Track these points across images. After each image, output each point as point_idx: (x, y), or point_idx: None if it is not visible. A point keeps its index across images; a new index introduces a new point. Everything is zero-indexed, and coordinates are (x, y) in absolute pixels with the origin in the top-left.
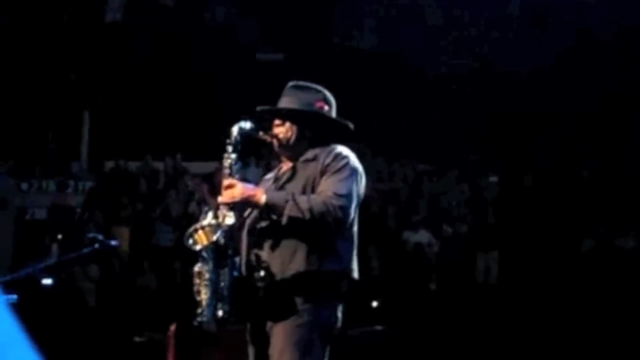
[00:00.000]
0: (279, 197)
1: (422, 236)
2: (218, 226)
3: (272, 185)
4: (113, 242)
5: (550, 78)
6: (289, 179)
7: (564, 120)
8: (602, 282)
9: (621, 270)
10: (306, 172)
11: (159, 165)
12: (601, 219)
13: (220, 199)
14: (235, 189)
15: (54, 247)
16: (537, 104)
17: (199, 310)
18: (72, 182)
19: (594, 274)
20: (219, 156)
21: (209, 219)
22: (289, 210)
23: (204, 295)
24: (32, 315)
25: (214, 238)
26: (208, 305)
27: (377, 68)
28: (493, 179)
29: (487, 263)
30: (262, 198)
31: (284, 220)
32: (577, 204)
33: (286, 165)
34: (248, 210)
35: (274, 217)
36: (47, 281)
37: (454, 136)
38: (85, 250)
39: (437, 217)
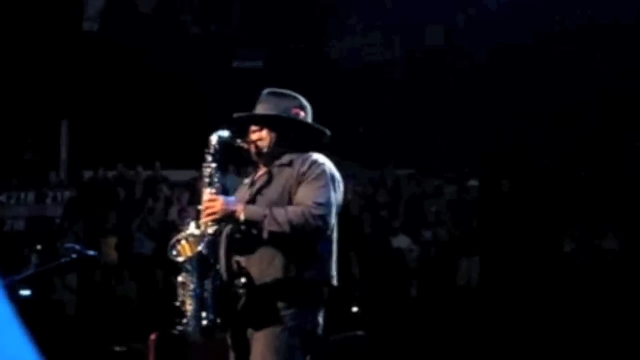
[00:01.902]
0: (258, 212)
1: (402, 241)
2: (202, 237)
3: (247, 190)
4: (91, 252)
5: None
6: (265, 184)
7: (547, 117)
8: (584, 284)
9: (603, 272)
10: (282, 177)
11: (138, 174)
12: (582, 220)
13: (201, 215)
14: (216, 205)
15: (34, 258)
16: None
17: (185, 321)
18: (50, 193)
19: (576, 276)
20: (198, 164)
21: (192, 230)
22: (268, 225)
23: (189, 306)
24: None
25: (199, 249)
26: (194, 316)
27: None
28: (473, 183)
29: (468, 268)
30: (242, 215)
31: (265, 235)
32: (558, 206)
33: (262, 170)
34: None
35: (254, 231)
36: (25, 292)
37: (434, 140)
38: (63, 260)
39: (416, 222)
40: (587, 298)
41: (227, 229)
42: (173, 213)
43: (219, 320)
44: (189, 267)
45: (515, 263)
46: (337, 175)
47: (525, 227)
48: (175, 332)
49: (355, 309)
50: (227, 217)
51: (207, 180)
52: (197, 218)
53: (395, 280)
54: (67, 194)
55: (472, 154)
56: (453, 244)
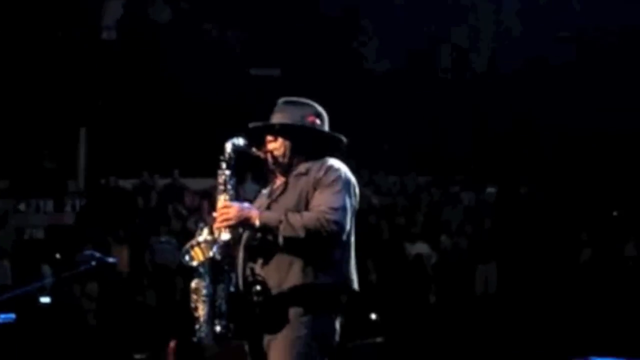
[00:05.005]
0: (273, 217)
1: (421, 248)
2: (214, 242)
3: (266, 200)
4: (110, 259)
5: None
6: (282, 193)
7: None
8: (603, 290)
9: (622, 278)
10: (298, 185)
11: (157, 182)
12: (600, 227)
13: (216, 221)
14: (230, 211)
15: (46, 269)
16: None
17: (197, 327)
18: (69, 201)
19: (594, 283)
20: (216, 172)
21: (204, 235)
22: (283, 230)
23: (201, 312)
24: (31, 334)
25: (210, 254)
26: (206, 321)
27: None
28: (491, 190)
29: (485, 274)
30: (257, 220)
31: (280, 240)
32: (575, 212)
33: (280, 180)
34: None
35: (270, 237)
36: (44, 300)
37: (453, 148)
38: (82, 268)
39: (435, 229)
40: (604, 304)
41: (245, 238)
42: (192, 221)
43: (231, 326)
44: (201, 271)
45: (532, 269)
46: (353, 179)
47: (542, 232)
48: (194, 339)
49: (373, 316)
50: (242, 223)
51: (221, 187)
52: (211, 224)
53: (413, 286)
54: (85, 202)
55: (491, 161)
56: (470, 251)
